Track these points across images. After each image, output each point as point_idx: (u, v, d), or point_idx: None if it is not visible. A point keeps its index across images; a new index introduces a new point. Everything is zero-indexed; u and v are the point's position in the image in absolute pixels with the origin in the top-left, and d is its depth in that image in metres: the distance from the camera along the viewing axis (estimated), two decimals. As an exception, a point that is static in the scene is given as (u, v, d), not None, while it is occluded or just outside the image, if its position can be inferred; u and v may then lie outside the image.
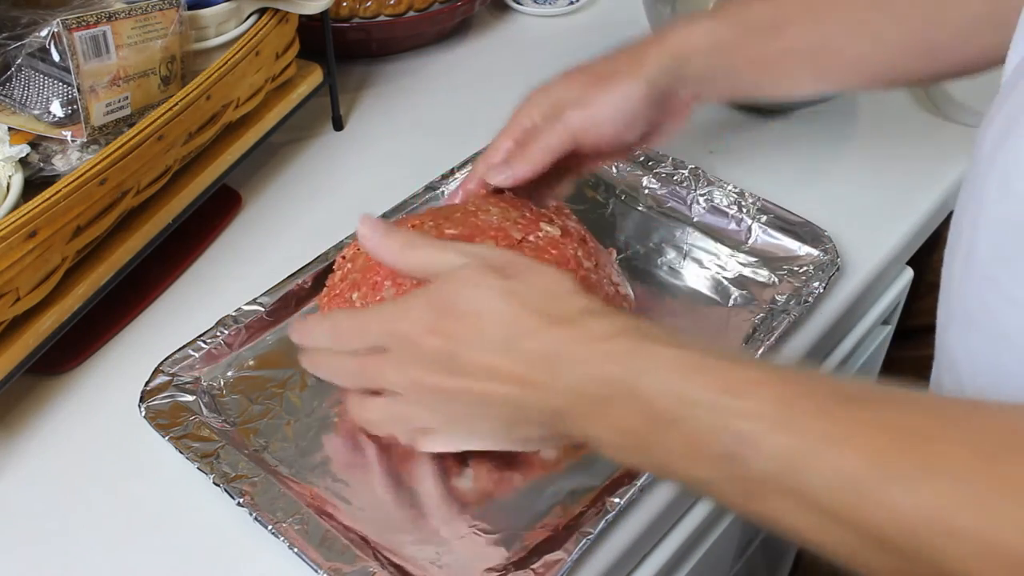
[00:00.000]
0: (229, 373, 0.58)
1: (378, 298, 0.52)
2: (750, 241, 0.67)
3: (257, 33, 0.67)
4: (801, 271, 0.64)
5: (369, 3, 0.84)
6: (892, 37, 0.57)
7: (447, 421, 0.46)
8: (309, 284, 0.63)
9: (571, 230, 0.56)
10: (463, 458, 0.53)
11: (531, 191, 0.58)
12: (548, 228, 0.55)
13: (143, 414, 0.54)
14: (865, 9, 0.57)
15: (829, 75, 0.60)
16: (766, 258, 0.65)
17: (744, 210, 0.67)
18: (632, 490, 0.50)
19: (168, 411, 0.54)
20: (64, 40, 0.55)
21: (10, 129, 0.57)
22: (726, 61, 0.57)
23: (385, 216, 0.67)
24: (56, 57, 0.56)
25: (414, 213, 0.66)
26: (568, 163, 0.58)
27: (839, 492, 0.33)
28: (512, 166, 0.56)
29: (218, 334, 0.59)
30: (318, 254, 0.64)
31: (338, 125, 0.82)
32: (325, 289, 0.57)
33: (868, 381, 0.34)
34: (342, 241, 0.65)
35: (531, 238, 0.54)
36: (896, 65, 0.58)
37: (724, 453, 0.36)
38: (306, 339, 0.50)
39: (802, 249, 0.65)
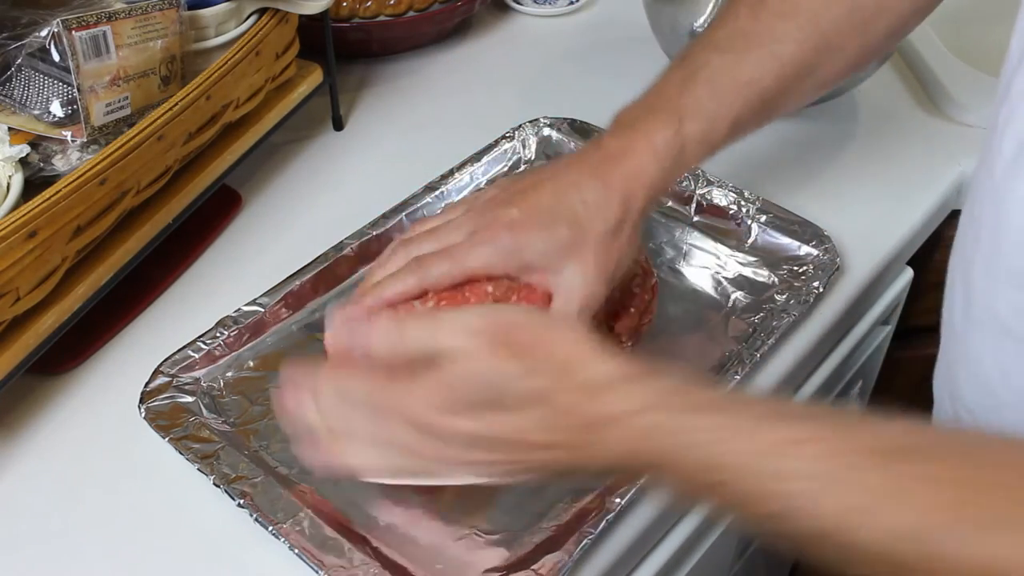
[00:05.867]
0: (229, 374, 0.58)
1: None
2: (750, 241, 0.67)
3: (257, 33, 0.67)
4: (801, 271, 0.64)
5: (369, 3, 0.84)
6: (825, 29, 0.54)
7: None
8: (309, 284, 0.63)
9: None
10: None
11: None
12: None
13: (143, 415, 0.54)
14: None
15: (787, 108, 0.57)
16: (766, 258, 0.65)
17: (744, 210, 0.67)
18: (632, 490, 0.50)
19: (168, 412, 0.54)
20: (64, 40, 0.55)
21: (10, 129, 0.57)
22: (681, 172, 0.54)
23: (385, 216, 0.67)
24: (56, 57, 0.56)
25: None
26: None
27: (899, 545, 0.33)
28: None
29: (218, 335, 0.59)
30: (318, 254, 0.64)
31: (338, 125, 0.82)
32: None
33: (902, 422, 0.35)
34: (342, 241, 0.65)
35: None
36: (836, 60, 0.56)
37: (773, 513, 0.36)
38: (358, 330, 0.44)
39: (802, 249, 0.65)
